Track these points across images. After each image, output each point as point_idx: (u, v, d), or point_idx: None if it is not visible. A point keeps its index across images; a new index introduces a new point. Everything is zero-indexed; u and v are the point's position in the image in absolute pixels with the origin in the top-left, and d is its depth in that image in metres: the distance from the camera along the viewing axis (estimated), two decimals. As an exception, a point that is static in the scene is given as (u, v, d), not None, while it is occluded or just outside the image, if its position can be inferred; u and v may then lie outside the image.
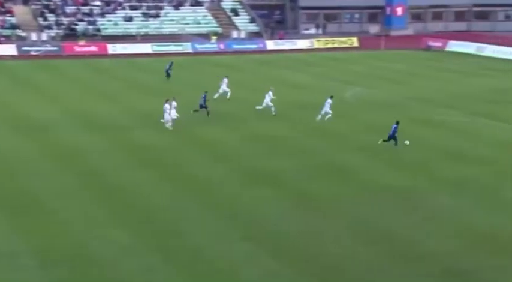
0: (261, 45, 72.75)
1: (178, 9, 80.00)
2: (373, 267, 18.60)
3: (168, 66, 49.93)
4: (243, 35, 76.81)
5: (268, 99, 37.54)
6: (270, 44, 73.14)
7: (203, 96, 37.08)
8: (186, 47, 69.84)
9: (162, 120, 34.07)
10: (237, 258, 19.19)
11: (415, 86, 48.21)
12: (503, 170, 27.16)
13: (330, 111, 35.64)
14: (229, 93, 41.83)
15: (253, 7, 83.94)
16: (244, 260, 19.12)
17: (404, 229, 21.22)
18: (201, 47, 70.69)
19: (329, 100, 35.96)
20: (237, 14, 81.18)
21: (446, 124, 35.63)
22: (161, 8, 79.20)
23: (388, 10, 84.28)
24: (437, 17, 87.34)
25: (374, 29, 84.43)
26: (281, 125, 35.64)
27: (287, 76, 53.04)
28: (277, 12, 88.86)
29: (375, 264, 18.75)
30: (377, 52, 68.44)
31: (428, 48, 70.10)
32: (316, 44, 74.28)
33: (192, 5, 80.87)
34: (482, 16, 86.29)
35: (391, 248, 19.87)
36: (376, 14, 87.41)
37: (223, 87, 42.31)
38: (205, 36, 74.13)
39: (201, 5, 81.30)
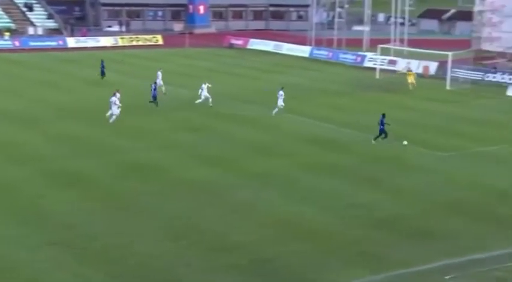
0: (61, 43, 69.80)
1: (-39, 2, 73.76)
2: (181, 262, 18.82)
3: (102, 65, 48.77)
4: (40, 31, 73.05)
5: (205, 91, 39.32)
6: (71, 41, 70.49)
7: (153, 87, 38.42)
8: (-25, 43, 64.75)
9: (107, 114, 34.15)
10: (42, 265, 18.30)
11: (220, 82, 49.54)
12: (303, 161, 29.01)
13: (283, 104, 37.00)
14: (163, 88, 42.32)
15: (50, 2, 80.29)
16: (50, 265, 18.28)
17: (213, 222, 21.79)
18: (-7, 44, 65.96)
19: (281, 92, 37.14)
20: (31, 9, 76.88)
21: (250, 119, 37.19)
22: None
23: (190, 8, 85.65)
24: (238, 15, 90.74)
25: (178, 26, 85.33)
26: (85, 124, 34.60)
27: (92, 74, 51.54)
28: (77, 8, 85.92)
29: (184, 259, 19.00)
30: (182, 50, 69.25)
31: (231, 46, 72.54)
32: (121, 41, 73.15)
33: (-21, -1, 75.13)
34: (278, 16, 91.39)
35: (200, 241, 20.28)
36: (179, 12, 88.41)
37: (159, 81, 42.24)
38: (-3, 33, 69.28)
39: (-9, -1, 75.85)
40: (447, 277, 17.97)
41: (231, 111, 39.19)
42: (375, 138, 31.59)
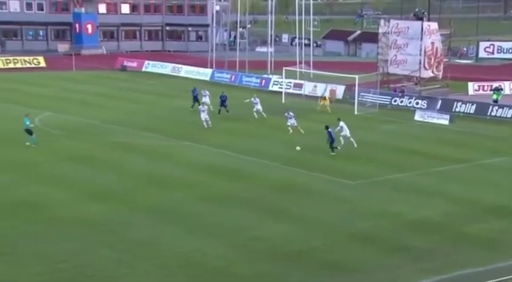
0: None
1: None
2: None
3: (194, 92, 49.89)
4: None
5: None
6: None
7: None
8: None
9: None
10: None
11: (113, 108, 49.15)
12: (203, 192, 29.22)
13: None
14: None
15: None
16: None
17: (104, 265, 21.49)
18: None
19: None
20: None
21: (145, 148, 37.06)
22: None
23: (76, 27, 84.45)
24: (131, 35, 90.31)
25: (63, 47, 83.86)
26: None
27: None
28: None
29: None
30: (68, 73, 68.05)
31: (124, 69, 72.06)
32: (-5, 64, 70.90)
33: None
34: (175, 36, 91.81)
35: (92, 286, 19.96)
36: (64, 31, 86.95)
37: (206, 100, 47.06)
38: None
39: None
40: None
41: (123, 139, 38.90)
42: (332, 150, 35.63)
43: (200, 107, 43.40)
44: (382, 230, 25.15)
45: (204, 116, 42.21)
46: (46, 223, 24.85)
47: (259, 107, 46.20)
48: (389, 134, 43.02)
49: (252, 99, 46.89)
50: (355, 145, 37.09)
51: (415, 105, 50.97)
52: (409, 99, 52.11)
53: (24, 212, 25.93)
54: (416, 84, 54.74)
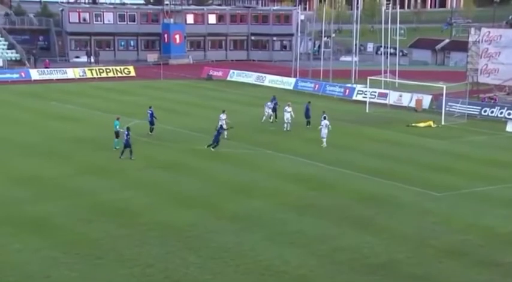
0: (23, 75, 70.02)
1: None
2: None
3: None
4: (0, 63, 73.52)
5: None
6: (35, 74, 70.71)
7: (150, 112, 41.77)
8: None
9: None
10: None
11: (198, 116, 50.01)
12: (286, 201, 29.23)
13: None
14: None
15: (12, 31, 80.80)
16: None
17: (191, 270, 21.82)
18: None
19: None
20: (-10, 40, 77.41)
21: (229, 155, 37.48)
22: None
23: (165, 38, 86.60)
24: (217, 45, 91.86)
25: (152, 57, 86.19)
26: (50, 163, 34.65)
27: (56, 109, 51.76)
28: (42, 37, 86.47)
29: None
30: (157, 82, 69.79)
31: (210, 78, 73.26)
32: (89, 73, 73.58)
33: None
34: (260, 45, 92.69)
35: (176, 290, 20.29)
36: (153, 42, 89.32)
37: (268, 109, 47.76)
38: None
39: None
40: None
41: (208, 147, 39.45)
42: (209, 146, 37.66)
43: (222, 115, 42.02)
44: (470, 244, 24.40)
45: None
46: (134, 227, 25.47)
47: (289, 116, 44.40)
48: (478, 145, 41.79)
49: (286, 107, 44.84)
50: (323, 145, 39.48)
51: (507, 116, 49.30)
52: (500, 109, 50.46)
53: (114, 216, 26.68)
54: (508, 94, 53.04)
